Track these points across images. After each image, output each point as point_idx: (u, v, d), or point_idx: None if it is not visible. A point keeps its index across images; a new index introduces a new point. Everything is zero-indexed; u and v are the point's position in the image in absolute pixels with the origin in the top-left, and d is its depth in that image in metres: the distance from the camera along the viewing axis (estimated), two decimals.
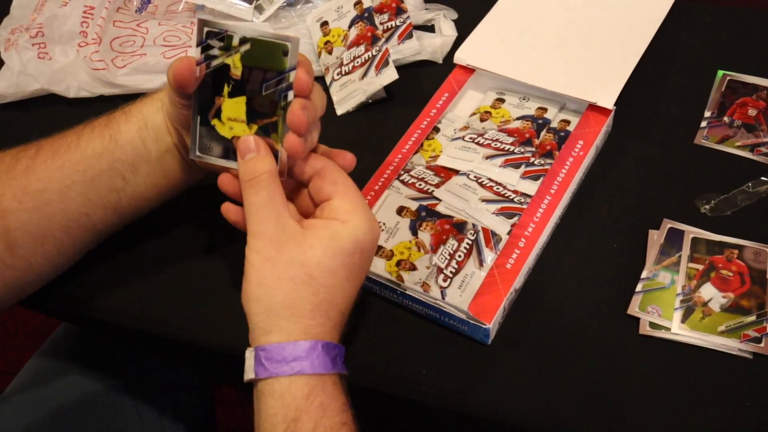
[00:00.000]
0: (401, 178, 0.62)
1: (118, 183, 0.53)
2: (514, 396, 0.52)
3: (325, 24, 0.73)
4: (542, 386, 0.52)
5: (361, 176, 0.61)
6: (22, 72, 0.71)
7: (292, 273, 0.46)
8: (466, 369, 0.53)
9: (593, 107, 0.64)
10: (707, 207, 0.60)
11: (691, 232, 0.58)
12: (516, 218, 0.58)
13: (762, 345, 0.52)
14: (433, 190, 0.61)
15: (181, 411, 0.76)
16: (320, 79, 0.72)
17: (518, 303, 0.56)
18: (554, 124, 0.65)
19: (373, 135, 0.68)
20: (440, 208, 0.59)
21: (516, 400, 0.52)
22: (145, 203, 0.56)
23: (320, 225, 0.48)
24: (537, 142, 0.63)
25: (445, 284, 0.55)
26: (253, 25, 0.48)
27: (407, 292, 0.55)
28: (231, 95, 0.49)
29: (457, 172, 0.62)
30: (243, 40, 0.48)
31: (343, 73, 0.70)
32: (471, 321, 0.53)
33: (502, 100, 0.67)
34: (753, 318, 0.53)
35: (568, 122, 0.65)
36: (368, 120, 0.69)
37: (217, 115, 0.49)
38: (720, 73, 0.69)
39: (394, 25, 0.71)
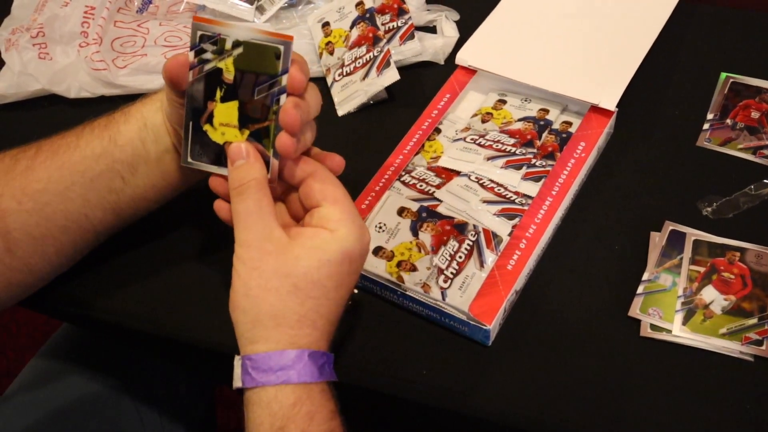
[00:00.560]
0: (402, 179, 0.62)
1: (118, 184, 0.53)
2: (514, 397, 0.52)
3: (326, 25, 0.73)
4: (543, 388, 0.52)
5: (361, 177, 0.62)
6: (23, 72, 0.71)
7: (278, 284, 0.45)
8: (466, 370, 0.53)
9: (595, 109, 0.64)
10: (709, 209, 0.60)
11: (693, 234, 0.58)
12: (517, 219, 0.58)
13: (763, 348, 0.52)
14: (434, 191, 0.61)
15: (181, 411, 0.76)
16: (321, 80, 0.72)
17: (519, 304, 0.56)
18: (556, 126, 0.65)
19: (374, 136, 0.68)
20: (441, 209, 0.59)
21: (517, 402, 0.52)
22: (144, 204, 0.55)
23: (307, 234, 0.47)
24: (539, 143, 0.63)
25: (445, 285, 0.55)
26: (251, 25, 0.47)
27: (408, 293, 0.55)
28: (223, 100, 0.48)
29: (458, 173, 0.62)
30: (236, 44, 0.47)
31: (345, 74, 0.70)
32: (471, 322, 0.53)
33: (504, 102, 0.67)
34: (754, 321, 0.53)
35: (570, 124, 0.65)
36: (369, 121, 0.69)
37: (209, 120, 0.49)
38: (723, 75, 0.69)
39: (395, 25, 0.71)
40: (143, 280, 0.60)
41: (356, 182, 0.60)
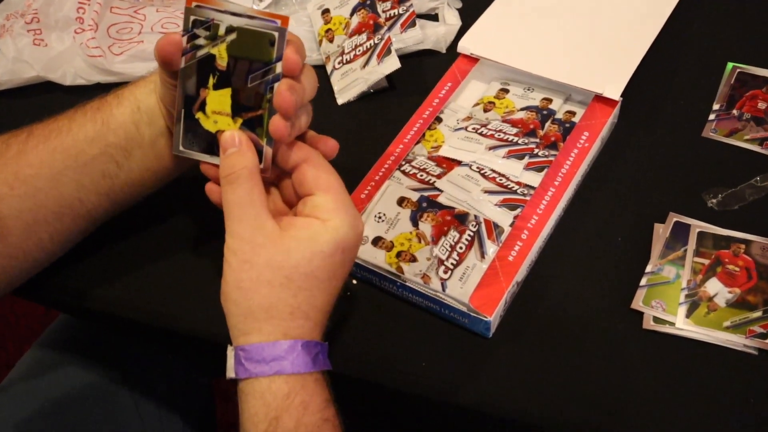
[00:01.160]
0: (402, 169, 0.61)
1: (111, 168, 0.53)
2: (515, 390, 0.51)
3: (326, 12, 0.72)
4: (544, 380, 0.52)
5: (361, 166, 0.61)
6: (17, 59, 0.70)
7: (270, 276, 0.45)
8: (466, 362, 0.53)
9: (599, 98, 0.63)
10: (714, 201, 0.59)
11: (698, 226, 0.57)
12: (519, 210, 0.57)
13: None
14: (434, 181, 0.60)
15: (179, 403, 0.75)
16: (321, 68, 0.71)
17: (520, 296, 0.56)
18: (559, 115, 0.64)
19: (375, 125, 0.67)
20: (442, 199, 0.58)
21: (517, 395, 0.51)
22: (139, 189, 0.55)
23: (299, 224, 0.46)
24: (541, 133, 0.62)
25: (445, 276, 0.54)
26: (244, 9, 0.46)
27: (407, 283, 0.54)
28: (216, 87, 0.47)
29: (459, 162, 0.61)
30: (229, 29, 0.46)
31: (345, 61, 0.69)
32: (472, 314, 0.52)
33: (507, 91, 0.66)
34: (759, 314, 0.53)
35: (573, 113, 0.64)
36: (370, 110, 0.68)
37: (202, 108, 0.48)
38: (729, 65, 0.68)
39: (396, 13, 0.70)
40: (138, 269, 0.59)
41: (356, 171, 0.60)
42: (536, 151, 0.61)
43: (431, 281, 0.54)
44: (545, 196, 0.58)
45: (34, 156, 0.51)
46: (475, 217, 0.57)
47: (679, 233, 0.57)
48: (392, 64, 0.67)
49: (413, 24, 0.70)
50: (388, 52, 0.67)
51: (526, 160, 0.60)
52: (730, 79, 0.67)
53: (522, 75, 0.66)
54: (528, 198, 0.58)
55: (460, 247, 0.55)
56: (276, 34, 0.46)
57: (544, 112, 0.64)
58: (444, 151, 0.62)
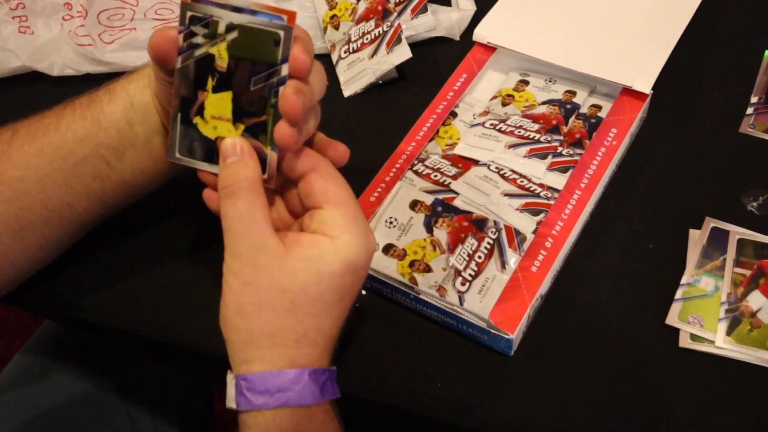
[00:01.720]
0: (415, 169, 0.57)
1: (103, 170, 0.50)
2: (538, 412, 0.49)
3: None
4: (569, 402, 0.49)
5: (370, 166, 0.58)
6: (2, 48, 0.67)
7: (274, 300, 0.42)
8: (485, 382, 0.50)
9: (627, 91, 0.59)
10: (755, 204, 0.56)
11: (737, 232, 0.54)
12: (542, 215, 0.54)
13: None
14: (450, 183, 0.56)
15: (175, 411, 0.73)
16: (326, 58, 0.68)
17: (544, 310, 0.52)
18: (584, 110, 0.60)
19: (384, 120, 0.64)
20: (458, 203, 0.55)
21: (540, 417, 0.48)
22: (132, 191, 0.52)
23: (306, 242, 0.43)
24: (565, 129, 0.59)
25: (463, 288, 0.50)
26: (247, 1, 0.42)
27: (421, 296, 0.51)
28: (215, 90, 0.44)
29: (476, 162, 0.57)
30: (230, 27, 0.42)
31: (351, 50, 0.66)
32: (492, 330, 0.49)
33: (526, 83, 0.62)
34: None
35: (599, 107, 0.60)
36: (378, 103, 0.65)
37: (200, 112, 0.45)
38: (767, 53, 0.65)
39: None
40: (132, 276, 0.57)
41: (364, 172, 0.57)
42: (560, 149, 0.57)
43: (447, 294, 0.50)
44: (570, 199, 0.54)
45: (20, 157, 0.49)
46: (495, 223, 0.53)
47: (717, 240, 0.53)
48: (403, 53, 0.64)
49: (425, 9, 0.67)
50: (399, 40, 0.64)
51: (550, 159, 0.57)
52: None
53: (543, 65, 0.62)
54: (552, 202, 0.54)
55: (479, 257, 0.51)
56: (281, 33, 0.42)
57: (568, 107, 0.60)
58: (460, 150, 0.58)
